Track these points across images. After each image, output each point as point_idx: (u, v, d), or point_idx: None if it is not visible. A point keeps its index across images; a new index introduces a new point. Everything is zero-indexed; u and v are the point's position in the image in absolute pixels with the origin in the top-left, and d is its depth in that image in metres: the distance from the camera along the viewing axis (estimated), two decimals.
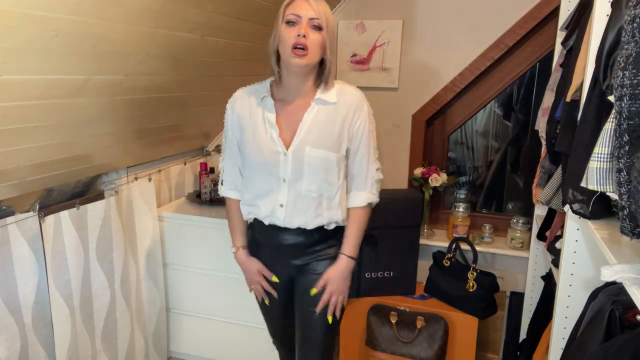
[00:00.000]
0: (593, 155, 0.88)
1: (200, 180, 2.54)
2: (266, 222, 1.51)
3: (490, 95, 2.44)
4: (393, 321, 2.22)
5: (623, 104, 0.76)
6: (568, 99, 1.25)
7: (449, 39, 2.34)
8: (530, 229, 2.34)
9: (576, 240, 1.22)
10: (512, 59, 2.34)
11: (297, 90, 1.45)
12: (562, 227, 1.37)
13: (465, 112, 2.51)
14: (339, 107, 1.44)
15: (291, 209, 1.45)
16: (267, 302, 1.67)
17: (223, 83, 2.24)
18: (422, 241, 2.42)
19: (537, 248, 2.06)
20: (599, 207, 1.06)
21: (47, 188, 1.81)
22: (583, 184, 0.91)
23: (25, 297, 1.70)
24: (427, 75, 2.42)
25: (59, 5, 1.13)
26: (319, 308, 1.53)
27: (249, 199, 1.52)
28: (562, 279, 1.26)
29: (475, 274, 2.18)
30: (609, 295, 1.07)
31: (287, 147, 1.42)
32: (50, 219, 1.74)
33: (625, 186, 0.77)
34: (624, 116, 0.76)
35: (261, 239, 1.59)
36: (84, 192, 2.07)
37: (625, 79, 0.75)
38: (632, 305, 0.97)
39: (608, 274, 0.82)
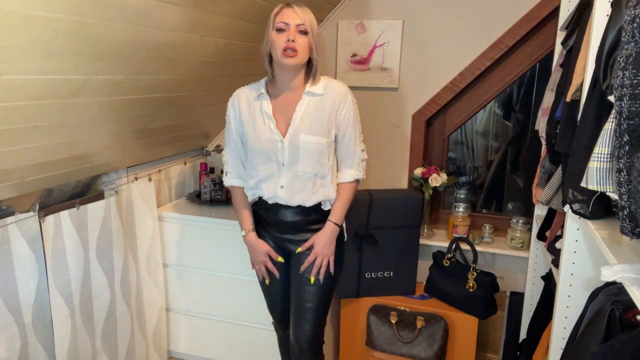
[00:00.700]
0: (593, 155, 0.88)
1: (200, 180, 2.54)
2: (270, 202, 1.71)
3: (490, 95, 2.44)
4: (393, 321, 2.22)
5: (623, 104, 0.76)
6: (568, 99, 1.25)
7: (449, 39, 2.34)
8: (530, 229, 2.34)
9: (576, 240, 1.22)
10: (512, 59, 2.34)
11: (289, 86, 1.65)
12: (562, 227, 1.38)
13: (465, 112, 2.51)
14: (326, 98, 1.65)
15: (290, 189, 1.66)
16: (267, 281, 1.83)
17: (223, 83, 2.24)
18: (422, 241, 2.43)
19: (537, 248, 2.06)
20: (599, 207, 1.06)
21: (47, 188, 1.81)
22: (583, 184, 0.91)
23: (25, 297, 1.70)
24: (427, 75, 2.42)
25: (59, 5, 1.13)
26: (303, 267, 1.72)
27: (253, 184, 1.72)
28: (562, 279, 1.26)
29: (475, 274, 2.18)
30: (609, 295, 1.07)
31: (284, 135, 1.63)
32: (50, 219, 1.74)
33: (625, 186, 0.77)
34: (624, 116, 0.76)
35: (264, 215, 1.77)
36: (84, 192, 2.07)
37: (625, 79, 0.75)
38: (632, 305, 0.97)
39: (608, 274, 0.82)
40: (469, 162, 2.73)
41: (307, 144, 1.61)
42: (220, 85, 2.24)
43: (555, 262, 1.52)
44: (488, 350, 2.49)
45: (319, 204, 1.71)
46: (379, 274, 2.32)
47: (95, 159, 1.89)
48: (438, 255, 2.34)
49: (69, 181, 1.90)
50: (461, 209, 2.43)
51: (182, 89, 1.98)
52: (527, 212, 2.51)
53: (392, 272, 2.33)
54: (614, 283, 0.90)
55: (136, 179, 2.20)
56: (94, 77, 1.46)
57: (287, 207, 1.69)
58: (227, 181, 1.80)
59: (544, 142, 1.70)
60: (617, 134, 0.78)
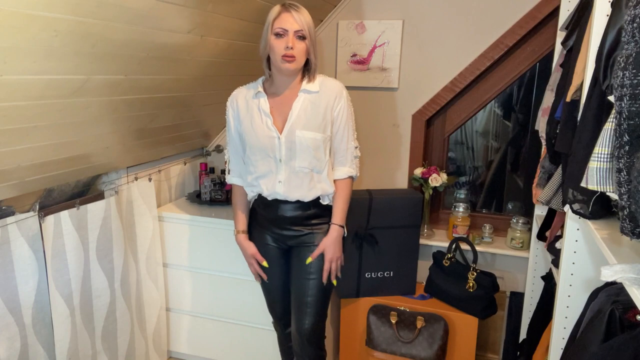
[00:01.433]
0: (593, 155, 0.88)
1: (200, 180, 2.54)
2: (269, 198, 1.74)
3: (490, 95, 2.44)
4: (393, 321, 2.22)
5: (623, 104, 0.76)
6: (568, 99, 1.25)
7: (449, 39, 2.34)
8: (530, 229, 2.34)
9: (576, 240, 1.22)
10: (512, 59, 2.34)
11: (286, 86, 1.70)
12: (562, 227, 1.38)
13: (465, 112, 2.51)
14: (322, 95, 1.69)
15: (288, 184, 1.70)
16: (258, 280, 1.89)
17: (223, 83, 2.24)
18: (422, 241, 2.43)
19: (537, 248, 2.06)
20: (599, 207, 1.06)
21: (47, 188, 1.82)
22: (583, 184, 0.91)
23: (25, 297, 1.70)
24: (427, 75, 2.42)
25: (59, 5, 1.13)
26: (324, 278, 1.76)
27: (252, 180, 1.76)
28: (562, 279, 1.26)
29: (475, 274, 2.18)
30: (609, 295, 1.07)
31: (281, 132, 1.67)
32: (50, 219, 1.74)
33: (625, 186, 0.77)
34: (624, 116, 0.76)
35: (263, 212, 1.79)
36: (84, 192, 2.07)
37: (625, 79, 0.75)
38: (632, 305, 0.97)
39: (608, 274, 0.82)
40: (469, 162, 2.73)
41: (303, 140, 1.65)
42: (220, 85, 2.24)
43: (555, 262, 1.52)
44: (488, 350, 2.49)
45: (318, 198, 1.74)
46: (379, 274, 2.32)
47: (95, 159, 1.89)
48: (438, 255, 2.34)
49: (69, 181, 1.90)
50: (461, 209, 2.43)
51: (182, 89, 1.98)
52: (527, 212, 2.51)
53: (392, 272, 2.33)
54: (614, 283, 0.90)
55: (136, 179, 2.20)
56: (94, 77, 1.46)
57: (287, 202, 1.73)
58: (229, 179, 1.86)
59: (544, 142, 1.70)
60: (617, 134, 0.78)
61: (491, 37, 2.27)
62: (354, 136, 1.78)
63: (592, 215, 1.07)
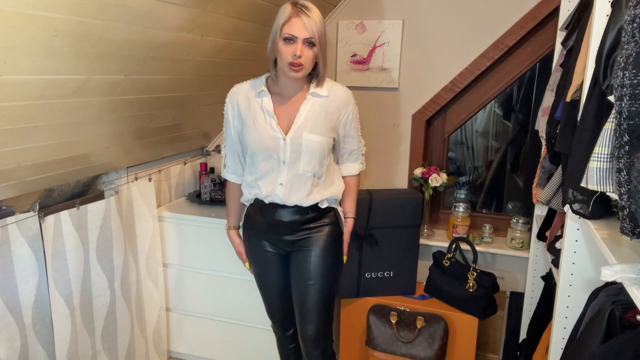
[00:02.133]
0: (593, 155, 0.88)
1: (200, 180, 2.54)
2: (267, 201, 1.70)
3: (490, 95, 2.44)
4: (393, 321, 2.22)
5: (623, 104, 0.76)
6: (568, 99, 1.25)
7: (449, 39, 2.34)
8: (530, 229, 2.34)
9: (576, 240, 1.22)
10: (512, 59, 2.34)
11: (292, 87, 1.66)
12: (562, 227, 1.38)
13: (465, 112, 2.51)
14: (330, 100, 1.67)
15: (289, 187, 1.66)
16: (259, 285, 1.88)
17: (223, 83, 2.24)
18: (422, 241, 2.42)
19: (537, 248, 2.06)
20: (599, 207, 1.06)
21: (47, 188, 1.82)
22: (583, 184, 0.91)
23: (25, 297, 1.70)
24: (427, 75, 2.42)
25: (59, 5, 1.13)
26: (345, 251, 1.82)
27: (251, 181, 1.72)
28: (562, 279, 1.26)
29: (475, 274, 2.18)
30: (609, 295, 1.07)
31: (286, 133, 1.63)
32: (50, 219, 1.74)
33: (625, 186, 0.77)
34: (624, 116, 0.76)
35: (259, 217, 1.76)
36: (84, 192, 2.07)
37: (625, 79, 0.75)
38: (632, 305, 0.97)
39: (608, 274, 0.82)
40: (469, 162, 2.73)
41: (310, 143, 1.62)
42: (220, 85, 2.24)
43: (555, 262, 1.52)
44: (488, 350, 2.49)
45: (317, 203, 1.71)
46: (379, 274, 2.32)
47: (95, 159, 1.89)
48: (438, 255, 2.34)
49: (69, 181, 1.90)
50: (461, 209, 2.43)
51: (182, 89, 1.98)
52: (527, 212, 2.50)
53: (392, 272, 2.33)
54: (614, 283, 0.90)
55: (136, 179, 2.20)
56: (93, 77, 1.46)
57: (284, 206, 1.69)
58: (224, 174, 1.84)
59: (544, 142, 1.70)
60: (617, 134, 0.78)
61: (491, 37, 2.27)
62: (360, 136, 1.82)
63: (592, 215, 1.07)
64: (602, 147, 0.86)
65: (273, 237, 1.76)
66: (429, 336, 2.16)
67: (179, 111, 2.16)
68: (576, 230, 1.22)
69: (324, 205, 1.73)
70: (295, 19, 1.51)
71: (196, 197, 2.52)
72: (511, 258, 2.42)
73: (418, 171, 2.47)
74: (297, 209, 1.69)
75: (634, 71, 0.74)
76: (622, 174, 0.78)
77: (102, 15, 1.27)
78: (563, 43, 1.58)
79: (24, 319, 1.70)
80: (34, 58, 1.21)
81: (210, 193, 2.47)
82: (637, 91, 0.74)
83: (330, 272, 1.76)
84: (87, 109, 1.57)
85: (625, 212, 0.77)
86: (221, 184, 2.47)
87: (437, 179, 2.41)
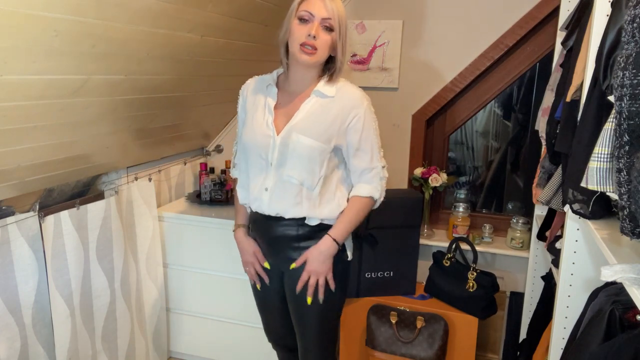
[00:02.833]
0: (593, 155, 0.88)
1: (200, 180, 2.54)
2: (254, 208, 1.57)
3: (490, 95, 2.44)
4: (393, 321, 2.22)
5: (623, 104, 0.76)
6: (568, 99, 1.25)
7: (449, 39, 2.34)
8: (530, 229, 2.34)
9: (576, 240, 1.22)
10: (512, 59, 2.34)
11: (301, 82, 1.50)
12: (562, 227, 1.37)
13: (465, 112, 2.51)
14: (336, 102, 1.47)
15: (272, 194, 1.50)
16: (258, 286, 1.69)
17: (223, 83, 2.24)
18: (422, 241, 2.42)
19: (537, 248, 2.06)
20: (599, 207, 1.06)
21: (47, 188, 1.81)
22: (583, 184, 0.91)
23: (25, 297, 1.70)
24: (427, 75, 2.42)
25: (59, 5, 1.13)
26: (298, 288, 1.54)
27: (244, 180, 1.61)
28: (562, 279, 1.26)
29: (475, 274, 2.18)
30: (609, 295, 1.07)
31: (279, 133, 1.48)
32: (50, 219, 1.74)
33: (625, 186, 0.77)
34: (624, 116, 0.76)
35: (255, 231, 1.65)
36: (84, 192, 2.07)
37: (625, 79, 0.75)
38: (632, 305, 0.97)
39: (608, 274, 0.82)
40: (469, 162, 2.73)
41: (297, 145, 1.44)
42: (220, 85, 2.24)
43: (555, 262, 1.52)
44: (488, 350, 2.49)
45: (304, 218, 1.52)
46: (379, 274, 2.32)
47: (95, 159, 1.89)
48: (438, 255, 2.34)
49: (69, 181, 1.90)
50: (461, 209, 2.43)
51: (182, 89, 1.98)
52: (527, 212, 2.50)
53: (392, 272, 2.33)
54: (614, 283, 0.90)
55: (136, 179, 2.20)
56: (94, 77, 1.46)
57: (271, 217, 1.54)
58: (232, 172, 1.72)
59: (544, 142, 1.70)
60: (617, 134, 0.78)
61: (491, 37, 2.27)
62: (380, 154, 1.54)
63: (592, 215, 1.07)
64: (602, 147, 0.86)
65: (267, 254, 1.64)
66: (429, 336, 2.16)
67: (179, 111, 2.16)
68: (576, 230, 1.22)
69: (312, 223, 1.52)
70: None
71: (196, 197, 2.52)
72: (511, 258, 2.42)
73: (418, 171, 2.47)
74: (286, 221, 1.52)
75: (634, 71, 0.74)
76: (622, 174, 0.78)
77: (102, 15, 1.27)
78: (563, 43, 1.58)
79: (24, 319, 1.70)
80: (34, 58, 1.21)
81: (210, 193, 2.47)
82: (637, 91, 0.74)
83: (331, 293, 1.57)
84: (87, 109, 1.57)
85: (625, 212, 0.77)
86: (221, 184, 2.47)
87: (437, 179, 2.41)
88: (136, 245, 2.23)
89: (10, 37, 1.10)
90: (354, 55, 2.48)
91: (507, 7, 2.22)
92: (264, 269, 1.65)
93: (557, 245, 1.55)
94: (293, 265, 1.55)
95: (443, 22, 2.33)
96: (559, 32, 1.88)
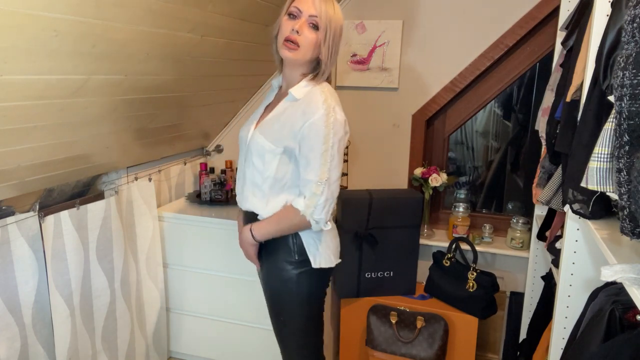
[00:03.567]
0: (593, 155, 0.88)
1: (200, 180, 2.54)
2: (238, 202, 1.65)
3: (490, 95, 2.44)
4: (393, 321, 2.22)
5: (623, 104, 0.76)
6: (568, 99, 1.25)
7: (449, 39, 2.34)
8: (530, 229, 2.34)
9: (576, 240, 1.22)
10: (512, 59, 2.34)
11: (288, 81, 1.52)
12: (562, 227, 1.38)
13: (465, 112, 2.51)
14: (298, 105, 1.44)
15: (237, 184, 1.63)
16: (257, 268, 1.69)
17: (223, 83, 2.24)
18: (422, 241, 2.43)
19: (537, 248, 2.06)
20: (599, 207, 1.06)
21: (47, 188, 1.81)
22: (583, 184, 0.91)
23: (25, 297, 1.70)
24: (427, 75, 2.42)
25: (59, 5, 1.13)
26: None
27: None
28: (562, 279, 1.26)
29: (475, 274, 2.18)
30: (609, 295, 1.07)
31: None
32: (50, 219, 1.74)
33: (625, 186, 0.77)
34: (624, 116, 0.76)
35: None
36: (84, 192, 2.07)
37: (625, 79, 0.75)
38: (632, 305, 0.97)
39: (608, 274, 0.82)
40: (469, 162, 2.73)
41: (253, 143, 1.49)
42: (220, 85, 2.24)
43: (555, 262, 1.52)
44: (488, 350, 2.49)
45: (256, 214, 1.55)
46: (379, 274, 2.32)
47: (95, 159, 1.89)
48: (438, 255, 2.34)
49: (69, 181, 1.90)
50: (461, 209, 2.43)
51: (182, 89, 1.98)
52: (527, 212, 2.51)
53: (392, 272, 2.33)
54: (614, 283, 0.90)
55: (136, 179, 2.20)
56: (94, 77, 1.46)
57: (245, 213, 1.61)
58: None
59: (544, 142, 1.70)
60: (617, 134, 0.78)
61: (491, 37, 2.27)
62: (321, 169, 1.38)
63: (592, 215, 1.07)
64: (602, 147, 0.86)
65: None
66: (429, 336, 2.16)
67: (179, 111, 2.16)
68: (576, 230, 1.22)
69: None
70: None
71: (196, 197, 2.52)
72: (511, 258, 2.42)
73: (418, 171, 2.47)
74: (246, 213, 1.60)
75: (634, 71, 0.74)
76: (622, 174, 0.78)
77: (102, 15, 1.26)
78: (563, 43, 1.58)
79: (24, 319, 1.70)
80: (34, 58, 1.21)
81: (210, 193, 2.47)
82: (637, 91, 0.74)
83: (298, 314, 1.56)
84: (87, 109, 1.57)
85: (625, 212, 0.77)
86: (221, 184, 2.47)
87: (437, 179, 2.41)
88: (136, 245, 2.23)
89: (10, 37, 1.10)
90: (354, 55, 2.48)
91: (507, 7, 2.22)
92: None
93: (557, 245, 1.55)
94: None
95: (443, 22, 2.33)
96: (559, 32, 1.88)
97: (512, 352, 2.26)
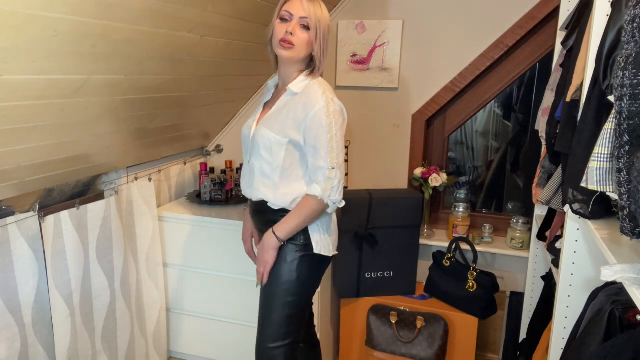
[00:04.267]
0: (593, 155, 0.88)
1: (200, 180, 2.54)
2: (242, 191, 1.75)
3: (490, 95, 2.44)
4: (393, 321, 2.22)
5: (623, 104, 0.76)
6: (568, 99, 1.25)
7: (449, 39, 2.34)
8: (530, 229, 2.34)
9: (576, 240, 1.22)
10: (512, 59, 2.34)
11: (285, 79, 1.63)
12: (562, 227, 1.38)
13: (465, 112, 2.51)
14: (298, 98, 1.56)
15: (244, 178, 1.72)
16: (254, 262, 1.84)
17: (223, 83, 2.24)
18: (422, 241, 2.42)
19: (537, 248, 2.06)
20: (599, 207, 1.06)
21: (47, 188, 1.82)
22: (583, 184, 0.91)
23: (25, 297, 1.70)
24: (427, 75, 2.42)
25: (59, 5, 1.13)
26: (257, 281, 1.67)
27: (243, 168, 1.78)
28: (562, 279, 1.26)
29: (475, 274, 2.18)
30: (609, 295, 1.07)
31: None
32: (50, 219, 1.74)
33: (625, 186, 0.77)
34: (624, 116, 0.76)
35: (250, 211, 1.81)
36: (84, 192, 2.07)
37: (625, 79, 0.75)
38: (632, 305, 0.97)
39: (608, 274, 0.82)
40: (469, 162, 2.73)
41: (259, 137, 1.59)
42: (220, 85, 2.24)
43: (555, 262, 1.52)
44: (488, 350, 2.49)
45: (266, 202, 1.63)
46: (379, 274, 2.32)
47: (95, 159, 1.89)
48: (438, 255, 2.34)
49: (69, 181, 1.90)
50: (461, 209, 2.43)
51: (182, 89, 1.98)
52: (527, 212, 2.50)
53: (392, 272, 2.33)
54: (614, 283, 0.90)
55: (136, 179, 2.20)
56: (94, 77, 1.46)
57: (250, 200, 1.72)
58: None
59: (544, 142, 1.70)
60: (617, 134, 0.78)
61: (491, 37, 2.28)
62: (330, 155, 1.52)
63: (592, 215, 1.07)
64: (602, 147, 0.86)
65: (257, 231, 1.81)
66: (429, 336, 2.16)
67: (179, 111, 2.16)
68: (576, 230, 1.22)
69: (274, 207, 1.63)
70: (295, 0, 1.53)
71: (196, 197, 2.52)
72: (511, 258, 2.42)
73: (418, 171, 2.47)
74: (256, 204, 1.68)
75: (634, 71, 0.74)
76: (622, 174, 0.78)
77: (102, 15, 1.27)
78: (563, 43, 1.58)
79: (24, 319, 1.70)
80: (34, 58, 1.21)
81: (210, 193, 2.47)
82: (637, 91, 0.74)
83: (293, 293, 1.64)
84: (87, 109, 1.57)
85: (625, 212, 0.77)
86: (221, 183, 2.47)
87: (437, 179, 2.41)
88: (136, 245, 2.23)
89: (10, 37, 1.10)
90: (354, 55, 2.48)
91: (507, 7, 2.22)
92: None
93: (557, 245, 1.55)
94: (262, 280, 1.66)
95: (443, 22, 2.33)
96: (559, 32, 1.88)
97: (512, 352, 2.26)
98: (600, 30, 1.04)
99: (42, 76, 1.29)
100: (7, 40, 1.10)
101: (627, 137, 0.76)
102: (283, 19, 1.53)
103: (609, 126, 0.86)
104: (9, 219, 1.61)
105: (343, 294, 2.35)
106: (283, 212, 1.62)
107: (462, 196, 2.54)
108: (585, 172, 0.89)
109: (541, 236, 1.81)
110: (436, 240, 2.49)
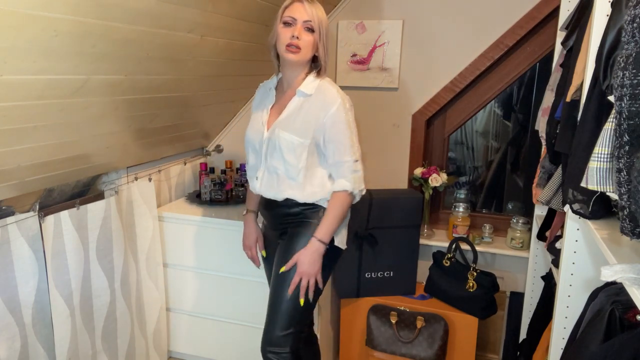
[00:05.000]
0: (593, 155, 0.88)
1: (200, 180, 2.54)
2: (254, 192, 1.77)
3: (490, 95, 2.44)
4: (393, 321, 2.22)
5: (623, 104, 0.76)
6: (568, 99, 1.25)
7: (449, 39, 2.34)
8: (530, 229, 2.34)
9: (576, 240, 1.22)
10: (512, 59, 2.34)
11: (291, 82, 1.66)
12: (562, 227, 1.38)
13: (465, 112, 2.51)
14: (314, 99, 1.61)
15: (262, 182, 1.71)
16: (257, 265, 1.92)
17: (223, 83, 2.25)
18: (422, 241, 2.43)
19: (537, 248, 2.06)
20: (599, 207, 1.06)
21: (47, 188, 1.81)
22: (583, 184, 0.91)
23: (25, 297, 1.70)
24: (427, 75, 2.42)
25: (59, 5, 1.13)
26: (290, 290, 1.63)
27: (248, 169, 1.82)
28: (562, 279, 1.26)
29: (475, 274, 2.18)
30: (609, 295, 1.07)
31: (269, 129, 1.67)
32: (50, 219, 1.74)
33: (625, 186, 0.77)
34: (624, 116, 0.76)
35: (260, 208, 1.83)
36: (84, 192, 2.07)
37: (625, 79, 0.75)
38: (632, 305, 0.97)
39: (608, 274, 0.82)
40: (469, 162, 2.73)
41: (279, 140, 1.61)
42: (220, 85, 2.24)
43: (555, 262, 1.52)
44: (488, 350, 2.49)
45: (293, 199, 1.66)
46: (379, 274, 2.32)
47: (95, 159, 1.89)
48: (438, 255, 2.34)
49: (69, 181, 1.90)
50: (461, 209, 2.43)
51: (182, 89, 1.98)
52: (527, 212, 2.50)
53: (392, 272, 2.33)
54: (614, 283, 0.90)
55: (136, 179, 2.20)
56: (94, 77, 1.46)
57: (268, 199, 1.72)
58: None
59: (544, 142, 1.70)
60: (617, 134, 0.78)
61: (491, 37, 2.28)
62: (353, 149, 1.61)
63: (592, 215, 1.07)
64: (602, 147, 0.86)
65: (268, 228, 1.84)
66: (429, 336, 2.16)
67: (179, 111, 2.16)
68: (576, 230, 1.22)
69: (301, 200, 1.66)
70: (296, 3, 1.57)
71: (196, 197, 2.52)
72: (511, 258, 2.42)
73: (418, 171, 2.47)
74: (278, 202, 1.69)
75: (634, 71, 0.74)
76: (622, 174, 0.78)
77: (102, 15, 1.27)
78: (563, 43, 1.58)
79: (24, 319, 1.70)
80: (34, 58, 1.21)
81: (210, 193, 2.47)
82: (637, 91, 0.74)
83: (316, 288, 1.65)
84: (87, 109, 1.57)
85: (625, 212, 0.77)
86: (221, 184, 2.47)
87: (437, 179, 2.41)
88: (136, 245, 2.23)
89: (10, 37, 1.10)
90: (354, 55, 2.49)
91: (507, 7, 2.22)
92: (263, 257, 1.87)
93: (557, 245, 1.55)
94: (283, 269, 1.64)
95: (443, 22, 2.34)
96: (559, 32, 1.88)
97: (512, 352, 2.26)
98: (600, 30, 1.04)
99: (42, 76, 1.29)
100: (7, 40, 1.10)
101: (627, 137, 0.76)
102: (287, 24, 1.56)
103: (609, 126, 0.86)
104: (9, 219, 1.61)
105: (343, 294, 2.35)
106: (307, 205, 1.66)
107: (462, 196, 2.54)
108: (585, 172, 0.89)
109: (541, 236, 1.81)
110: (436, 240, 2.49)
